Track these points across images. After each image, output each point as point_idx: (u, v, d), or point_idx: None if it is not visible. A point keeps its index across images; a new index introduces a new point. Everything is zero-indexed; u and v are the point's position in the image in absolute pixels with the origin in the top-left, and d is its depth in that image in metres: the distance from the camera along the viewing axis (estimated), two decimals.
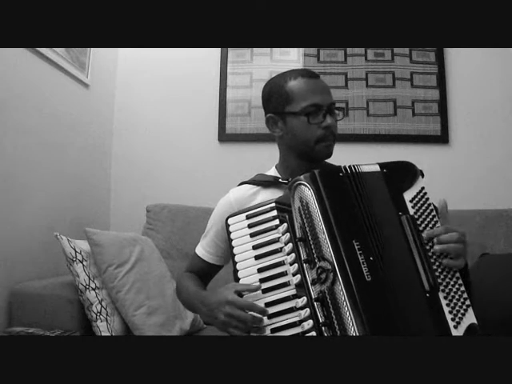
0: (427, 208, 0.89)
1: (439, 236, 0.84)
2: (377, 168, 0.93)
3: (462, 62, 2.19)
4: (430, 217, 0.88)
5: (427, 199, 0.90)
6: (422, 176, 0.93)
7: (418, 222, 0.87)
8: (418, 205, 0.89)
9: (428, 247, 0.85)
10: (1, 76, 1.43)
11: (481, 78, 2.18)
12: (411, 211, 0.88)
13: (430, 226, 0.87)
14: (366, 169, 0.92)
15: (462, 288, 0.83)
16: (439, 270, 0.83)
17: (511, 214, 1.91)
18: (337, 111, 1.06)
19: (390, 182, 0.91)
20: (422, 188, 0.91)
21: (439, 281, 0.82)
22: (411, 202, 0.89)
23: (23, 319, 1.39)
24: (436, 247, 0.84)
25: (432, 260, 0.84)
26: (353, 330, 0.76)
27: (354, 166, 0.92)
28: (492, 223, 1.90)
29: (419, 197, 0.90)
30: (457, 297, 0.82)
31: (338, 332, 0.78)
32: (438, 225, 0.88)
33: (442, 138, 2.15)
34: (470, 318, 0.80)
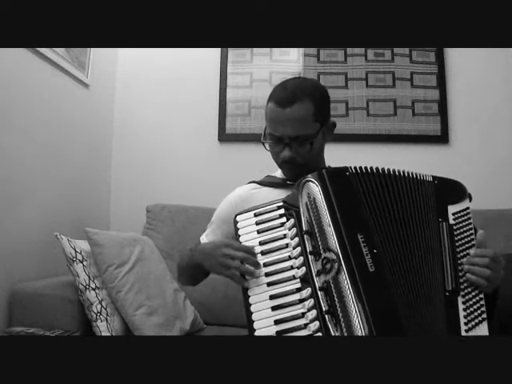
0: (467, 225, 0.93)
1: (474, 257, 0.87)
2: (430, 178, 0.99)
3: (462, 62, 2.19)
4: (467, 234, 0.92)
5: (470, 218, 0.94)
6: (470, 199, 0.98)
7: (455, 233, 0.91)
8: (460, 220, 0.93)
9: (459, 256, 0.88)
10: (0, 76, 1.43)
11: (481, 78, 2.18)
12: (451, 222, 0.92)
13: (465, 240, 0.91)
14: (417, 176, 0.98)
15: (482, 302, 0.85)
16: (464, 278, 0.86)
17: (511, 214, 1.91)
18: (304, 142, 1.02)
19: (438, 192, 0.96)
20: (468, 208, 0.96)
21: (461, 287, 0.85)
22: (454, 215, 0.93)
23: (23, 319, 1.39)
24: (465, 266, 0.87)
25: (460, 268, 0.87)
26: (355, 316, 0.78)
27: (379, 169, 0.96)
28: (492, 223, 1.89)
29: (463, 214, 0.95)
30: (475, 307, 0.84)
31: (342, 319, 0.79)
32: (473, 243, 0.91)
33: (442, 138, 2.15)
34: (483, 330, 0.83)
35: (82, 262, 1.44)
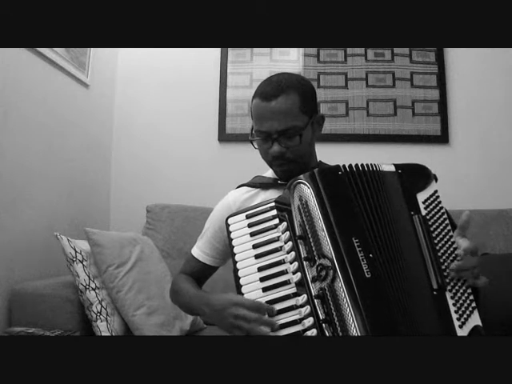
0: (439, 211, 0.90)
1: (462, 266, 0.84)
2: (392, 168, 0.93)
3: (462, 61, 2.19)
4: (441, 219, 0.89)
5: (440, 202, 0.91)
6: (436, 180, 0.94)
7: (430, 223, 0.88)
8: (431, 207, 0.90)
9: (438, 247, 0.86)
10: (0, 76, 1.43)
11: (481, 78, 2.18)
12: (423, 212, 0.89)
13: (441, 227, 0.88)
14: (379, 168, 0.93)
15: (469, 290, 0.84)
16: (447, 271, 0.84)
17: (511, 214, 1.91)
18: (292, 135, 0.99)
19: (404, 182, 0.92)
20: (436, 191, 0.92)
21: (447, 281, 0.83)
22: (424, 203, 0.90)
23: (23, 319, 1.39)
24: (453, 274, 0.83)
25: (441, 260, 0.85)
26: (353, 326, 0.76)
27: (370, 165, 0.92)
28: (492, 223, 1.90)
29: (432, 199, 0.91)
30: (463, 298, 0.83)
31: (339, 328, 0.78)
32: (449, 228, 0.89)
33: (442, 138, 2.15)
34: (476, 319, 0.81)
35: (82, 262, 1.44)
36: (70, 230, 1.68)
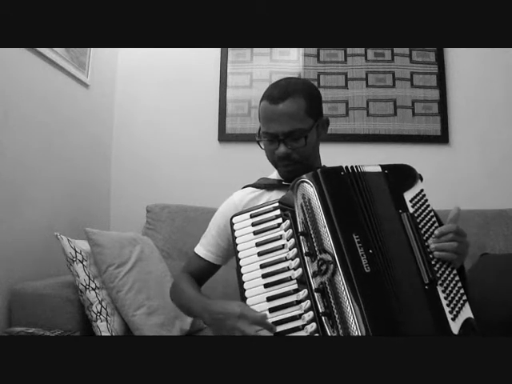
0: (426, 209, 0.93)
1: (439, 236, 0.88)
2: (378, 169, 0.96)
3: (462, 62, 2.19)
4: (429, 217, 0.92)
5: (426, 200, 0.94)
6: (421, 180, 0.97)
7: (418, 221, 0.90)
8: (418, 205, 0.93)
9: (427, 244, 0.88)
10: (0, 76, 1.43)
11: (481, 78, 2.18)
12: (411, 210, 0.91)
13: (429, 224, 0.91)
14: (367, 169, 0.95)
15: (460, 284, 0.86)
16: (437, 266, 0.86)
17: (511, 214, 1.91)
18: (298, 137, 1.02)
19: (391, 182, 0.94)
20: (422, 190, 0.95)
21: (437, 275, 0.85)
22: (411, 201, 0.93)
23: (23, 319, 1.39)
24: (432, 245, 0.87)
25: (431, 256, 0.87)
26: (352, 319, 0.78)
27: (356, 166, 0.95)
28: (492, 223, 1.90)
29: (418, 198, 0.94)
30: (454, 291, 0.84)
31: (338, 321, 0.79)
32: (436, 224, 0.91)
33: (441, 137, 2.15)
34: (467, 312, 0.83)
35: (81, 262, 1.44)
36: (70, 230, 1.68)
